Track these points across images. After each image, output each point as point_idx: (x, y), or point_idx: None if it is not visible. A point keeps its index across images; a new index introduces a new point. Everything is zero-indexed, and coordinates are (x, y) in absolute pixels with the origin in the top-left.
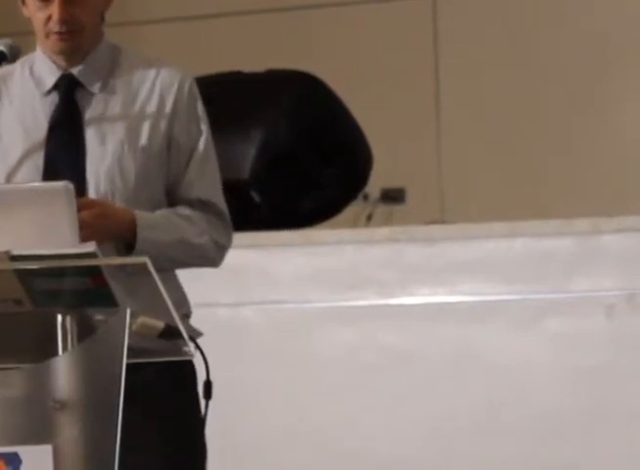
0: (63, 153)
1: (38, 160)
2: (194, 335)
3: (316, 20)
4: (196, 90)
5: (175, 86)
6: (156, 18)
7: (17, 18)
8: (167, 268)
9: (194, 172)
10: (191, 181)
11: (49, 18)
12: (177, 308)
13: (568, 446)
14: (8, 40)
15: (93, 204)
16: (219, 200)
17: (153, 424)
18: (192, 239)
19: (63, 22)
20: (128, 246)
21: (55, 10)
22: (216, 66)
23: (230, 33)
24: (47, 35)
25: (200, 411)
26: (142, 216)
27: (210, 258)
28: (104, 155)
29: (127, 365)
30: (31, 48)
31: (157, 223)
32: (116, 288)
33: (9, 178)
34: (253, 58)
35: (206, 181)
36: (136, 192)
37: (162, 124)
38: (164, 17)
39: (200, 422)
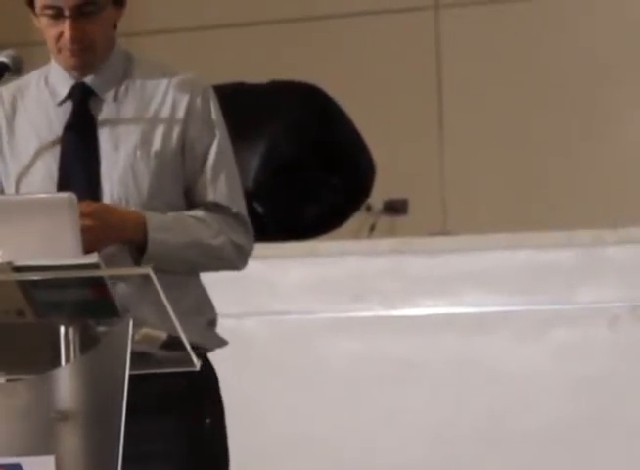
0: (77, 160)
1: (52, 167)
2: (219, 344)
3: (318, 31)
4: (210, 94)
5: (188, 92)
6: (158, 29)
7: (20, 29)
8: (187, 272)
9: (208, 176)
10: (205, 185)
11: (60, 34)
12: (200, 315)
13: (570, 456)
14: (11, 51)
15: (86, 214)
16: (236, 203)
17: (171, 433)
18: (207, 240)
19: (74, 40)
20: (140, 249)
21: (66, 28)
22: (219, 77)
23: (232, 45)
24: (59, 51)
25: (224, 418)
26: (153, 218)
27: (230, 260)
28: (117, 161)
29: (147, 375)
30: (34, 59)
31: (169, 225)
32: (129, 291)
33: (23, 186)
34: (256, 69)
35: (221, 185)
36: (150, 197)
37: (176, 130)
38: (166, 28)
39: (224, 429)
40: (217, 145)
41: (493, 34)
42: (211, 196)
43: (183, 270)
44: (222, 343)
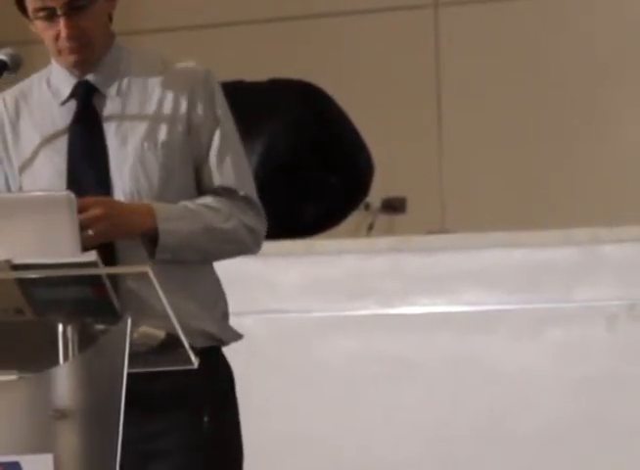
0: (85, 157)
1: (58, 163)
2: (235, 337)
3: (317, 29)
4: (212, 81)
5: (190, 80)
6: (157, 27)
7: (19, 27)
8: (202, 261)
9: (214, 161)
10: (211, 170)
11: (57, 35)
12: (216, 306)
13: (568, 455)
14: (9, 49)
15: (94, 203)
16: (244, 186)
17: (188, 429)
18: (218, 225)
19: (71, 38)
20: (152, 240)
21: (62, 27)
22: (218, 75)
23: (232, 43)
24: (59, 52)
25: (230, 415)
26: (161, 208)
27: (244, 243)
28: (126, 155)
29: (153, 372)
30: (33, 57)
31: (178, 214)
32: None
33: (26, 179)
34: (255, 67)
35: (227, 168)
36: (162, 189)
37: (180, 119)
38: (166, 26)
39: (230, 426)
40: (220, 130)
41: (492, 33)
42: (218, 181)
43: (199, 258)
44: (238, 336)
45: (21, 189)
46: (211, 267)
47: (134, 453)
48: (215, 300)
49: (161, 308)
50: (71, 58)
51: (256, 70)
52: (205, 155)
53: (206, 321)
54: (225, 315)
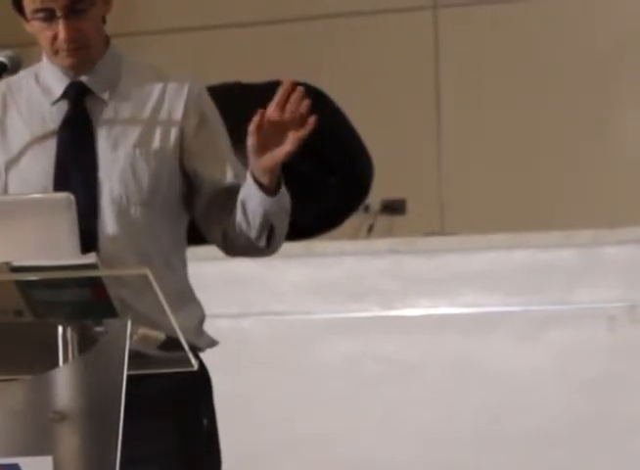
0: (73, 158)
1: (48, 166)
2: (211, 344)
3: (317, 31)
4: (205, 96)
5: (185, 93)
6: (157, 29)
7: (18, 29)
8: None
9: (218, 171)
10: (215, 178)
11: (55, 36)
12: (191, 313)
13: (569, 456)
14: (9, 51)
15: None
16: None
17: (168, 434)
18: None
19: (70, 40)
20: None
21: (60, 28)
22: (216, 77)
23: (230, 45)
24: (56, 53)
25: (215, 421)
26: None
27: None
28: (116, 159)
29: (142, 376)
30: (33, 59)
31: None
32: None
33: (12, 176)
34: (254, 69)
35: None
36: (150, 195)
37: (173, 132)
38: (166, 28)
39: (216, 432)
40: (215, 141)
41: (491, 34)
42: (227, 183)
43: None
44: (213, 343)
45: (6, 186)
46: (186, 274)
47: (131, 456)
48: (190, 306)
49: (153, 317)
50: (69, 60)
51: (255, 72)
52: (199, 164)
53: (183, 329)
54: (201, 322)
